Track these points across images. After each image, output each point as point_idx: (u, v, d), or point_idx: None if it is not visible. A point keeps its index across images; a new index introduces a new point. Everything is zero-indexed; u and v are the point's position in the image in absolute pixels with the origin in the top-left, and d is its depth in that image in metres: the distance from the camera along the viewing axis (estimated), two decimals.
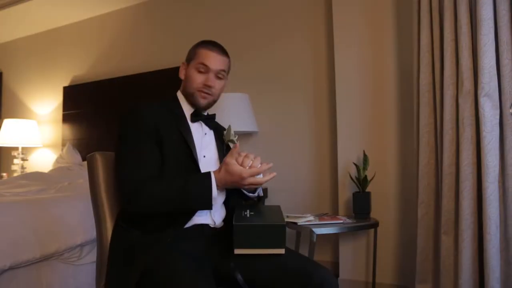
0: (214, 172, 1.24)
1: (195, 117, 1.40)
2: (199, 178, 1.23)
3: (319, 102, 2.79)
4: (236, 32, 3.09)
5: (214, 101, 1.43)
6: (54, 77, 4.09)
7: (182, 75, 1.43)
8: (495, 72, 1.79)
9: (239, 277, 1.16)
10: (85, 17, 3.92)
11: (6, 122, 3.84)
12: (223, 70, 1.39)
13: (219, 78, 1.39)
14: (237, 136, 1.49)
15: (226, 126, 1.52)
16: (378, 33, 2.43)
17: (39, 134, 3.96)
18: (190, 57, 1.41)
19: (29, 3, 3.57)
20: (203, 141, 1.40)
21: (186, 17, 3.34)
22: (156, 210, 1.22)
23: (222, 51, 1.41)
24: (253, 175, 1.20)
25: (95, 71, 3.82)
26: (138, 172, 1.22)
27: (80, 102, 3.78)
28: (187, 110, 1.41)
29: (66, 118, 3.88)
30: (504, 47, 1.78)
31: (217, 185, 1.21)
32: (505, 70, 1.79)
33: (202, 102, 1.38)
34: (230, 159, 1.21)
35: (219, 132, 1.50)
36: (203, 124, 1.42)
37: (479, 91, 1.80)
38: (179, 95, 1.44)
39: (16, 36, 4.36)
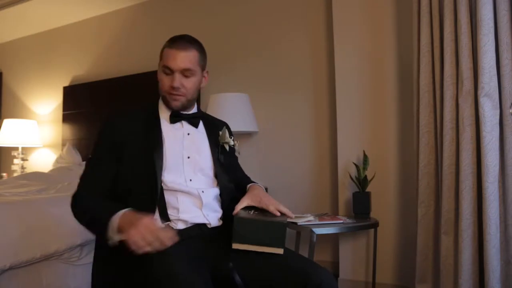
0: (123, 213, 1.15)
1: (174, 117, 1.37)
2: (109, 208, 1.20)
3: (319, 102, 2.79)
4: (236, 32, 3.09)
5: (190, 100, 1.38)
6: (54, 77, 4.09)
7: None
8: (495, 72, 1.80)
9: (237, 278, 1.16)
10: (85, 17, 3.92)
11: (6, 122, 3.84)
12: (188, 69, 1.32)
13: (187, 77, 1.33)
14: (232, 137, 1.46)
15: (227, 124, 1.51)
16: (378, 33, 2.43)
17: (39, 134, 3.96)
18: (160, 57, 1.38)
19: (29, 3, 3.56)
20: (185, 141, 1.37)
21: (186, 16, 3.34)
22: (81, 223, 1.30)
23: (185, 46, 1.33)
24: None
25: (95, 71, 3.82)
26: (84, 185, 1.32)
27: (80, 102, 3.78)
28: (166, 111, 1.38)
29: (66, 118, 3.88)
30: (504, 47, 1.78)
31: (118, 228, 1.13)
32: (505, 70, 1.79)
33: (174, 104, 1.35)
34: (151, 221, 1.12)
35: (214, 129, 1.46)
36: (184, 124, 1.39)
37: (479, 91, 1.80)
38: (161, 98, 1.42)
39: (16, 36, 4.36)
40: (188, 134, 1.38)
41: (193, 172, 1.34)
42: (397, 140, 2.38)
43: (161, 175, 1.28)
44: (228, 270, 1.17)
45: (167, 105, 1.37)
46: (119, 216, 1.14)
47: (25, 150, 4.01)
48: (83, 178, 1.33)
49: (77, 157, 3.54)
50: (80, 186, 1.33)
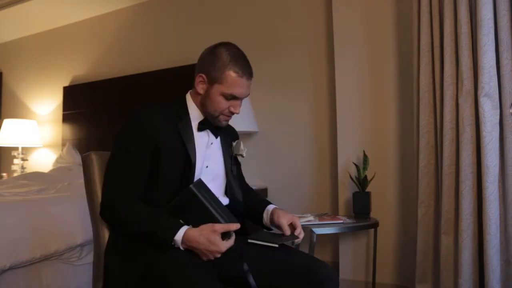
0: (188, 230, 1.14)
1: (203, 125, 1.32)
2: (167, 227, 1.15)
3: (319, 102, 2.78)
4: (237, 32, 3.09)
5: None
6: (54, 77, 4.09)
7: (200, 90, 1.28)
8: (495, 72, 1.80)
9: (251, 280, 1.16)
10: (85, 17, 3.92)
11: (6, 122, 3.84)
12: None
13: None
14: (245, 149, 1.45)
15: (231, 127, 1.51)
16: (378, 33, 2.43)
17: (39, 134, 3.96)
18: (215, 76, 1.25)
19: (29, 3, 3.56)
20: (208, 151, 1.33)
21: (186, 17, 3.34)
22: (118, 230, 1.24)
23: (251, 72, 1.28)
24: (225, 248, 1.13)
25: (95, 71, 3.82)
26: (118, 187, 1.22)
27: (80, 102, 3.78)
28: (195, 117, 1.32)
29: (66, 118, 3.88)
30: (504, 47, 1.78)
31: (182, 242, 1.13)
32: (505, 70, 1.79)
33: (225, 124, 1.34)
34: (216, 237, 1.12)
35: (227, 138, 1.42)
36: (209, 133, 1.34)
37: (479, 91, 1.80)
38: (189, 101, 1.34)
39: (16, 36, 4.36)
40: (212, 144, 1.35)
41: (209, 180, 1.29)
42: (397, 140, 2.38)
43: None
44: (240, 273, 1.17)
45: (211, 120, 1.31)
46: (181, 237, 1.13)
47: (25, 150, 4.01)
48: (116, 178, 1.23)
49: (77, 157, 3.54)
50: (113, 188, 1.22)
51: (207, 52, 1.29)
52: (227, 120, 1.33)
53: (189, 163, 1.26)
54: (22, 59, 4.36)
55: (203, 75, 1.27)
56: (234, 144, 1.43)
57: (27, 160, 3.94)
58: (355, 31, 2.48)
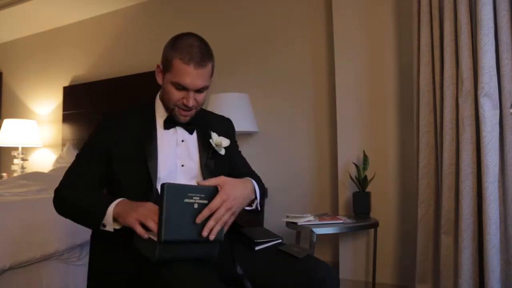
0: (120, 202, 1.15)
1: (169, 123, 1.31)
2: (99, 201, 1.18)
3: (319, 102, 2.79)
4: (237, 32, 3.09)
5: (198, 111, 1.32)
6: (54, 77, 4.09)
7: (159, 80, 1.29)
8: (495, 72, 1.80)
9: (248, 284, 1.15)
10: (85, 17, 3.92)
11: (6, 122, 3.84)
12: (204, 87, 1.23)
13: (200, 92, 1.24)
14: (224, 141, 1.35)
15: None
16: (378, 33, 2.43)
17: (39, 134, 3.96)
18: (166, 65, 1.24)
19: (29, 3, 3.56)
20: (179, 149, 1.31)
21: (186, 17, 3.34)
22: (67, 216, 1.28)
23: (201, 61, 1.20)
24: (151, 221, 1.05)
25: (95, 71, 3.82)
26: (68, 180, 1.30)
27: (80, 102, 3.78)
28: (162, 115, 1.32)
29: (66, 118, 3.88)
30: (504, 47, 1.78)
31: (114, 217, 1.13)
32: (505, 70, 1.79)
33: (183, 119, 1.28)
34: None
35: (208, 133, 1.36)
36: (178, 130, 1.32)
37: (479, 91, 1.80)
38: (158, 98, 1.35)
39: (16, 36, 4.36)
40: (182, 141, 1.32)
41: (187, 180, 1.29)
42: (397, 140, 2.38)
43: (156, 186, 1.23)
44: (236, 275, 1.16)
45: (172, 115, 1.30)
46: (115, 204, 1.15)
47: (25, 150, 4.01)
48: (68, 173, 1.31)
49: None
50: (64, 180, 1.30)
51: (167, 42, 1.30)
52: (186, 116, 1.28)
53: (149, 166, 1.24)
54: (22, 59, 4.36)
55: (160, 65, 1.28)
56: (212, 136, 1.35)
57: (27, 160, 3.94)
58: (355, 31, 2.48)
